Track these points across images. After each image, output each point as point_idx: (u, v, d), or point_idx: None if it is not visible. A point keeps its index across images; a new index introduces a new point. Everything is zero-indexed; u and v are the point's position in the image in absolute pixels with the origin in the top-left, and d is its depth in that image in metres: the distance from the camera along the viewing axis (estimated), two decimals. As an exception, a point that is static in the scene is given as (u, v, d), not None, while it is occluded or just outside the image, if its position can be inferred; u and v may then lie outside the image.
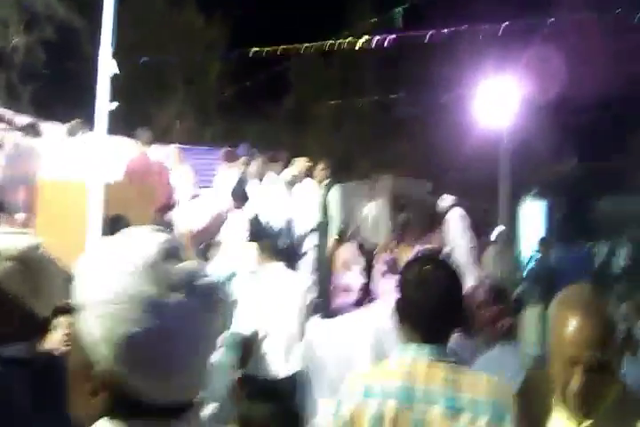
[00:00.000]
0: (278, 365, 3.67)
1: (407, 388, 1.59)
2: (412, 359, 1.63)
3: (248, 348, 3.66)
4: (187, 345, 0.85)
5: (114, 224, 3.36)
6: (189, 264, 0.89)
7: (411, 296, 1.69)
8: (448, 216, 7.82)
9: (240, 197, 5.46)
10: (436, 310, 1.65)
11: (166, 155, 6.91)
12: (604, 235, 11.51)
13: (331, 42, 10.68)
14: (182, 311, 0.84)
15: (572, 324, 1.48)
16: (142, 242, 0.88)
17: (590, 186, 12.39)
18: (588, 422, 1.52)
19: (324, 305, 6.41)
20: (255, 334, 3.67)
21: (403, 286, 1.73)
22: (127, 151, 5.55)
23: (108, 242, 0.90)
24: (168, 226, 4.69)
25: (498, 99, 10.06)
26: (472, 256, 7.79)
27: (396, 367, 1.65)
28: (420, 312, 1.66)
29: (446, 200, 8.18)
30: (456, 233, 7.80)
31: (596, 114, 12.35)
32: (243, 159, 7.06)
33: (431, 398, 1.58)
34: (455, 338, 3.27)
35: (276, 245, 4.07)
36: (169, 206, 5.60)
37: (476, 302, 3.32)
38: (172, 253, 0.88)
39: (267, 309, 3.68)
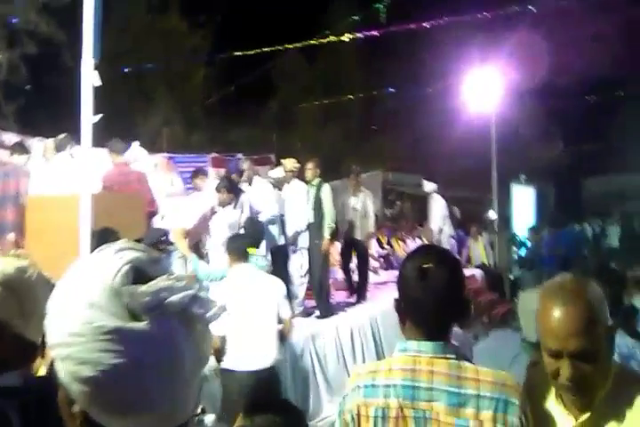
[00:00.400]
0: (255, 359, 3.76)
1: (410, 385, 1.60)
2: (414, 356, 1.63)
3: (219, 347, 3.73)
4: (159, 377, 0.78)
5: (102, 237, 3.37)
6: (161, 281, 0.81)
7: (412, 293, 1.65)
8: (430, 203, 7.93)
9: (229, 190, 5.46)
10: (438, 307, 1.62)
11: (154, 164, 6.94)
12: (594, 215, 11.61)
13: (313, 41, 10.71)
14: (150, 341, 0.77)
15: (554, 315, 1.48)
16: (103, 267, 0.81)
17: (577, 169, 12.49)
18: (586, 415, 1.52)
19: (319, 302, 6.49)
20: (224, 336, 3.73)
21: (403, 282, 1.67)
22: (105, 163, 5.55)
23: (72, 270, 0.84)
24: (158, 233, 4.71)
25: (484, 88, 10.11)
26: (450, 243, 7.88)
27: (398, 365, 1.64)
28: (422, 309, 1.63)
29: (427, 186, 8.27)
30: (437, 218, 7.89)
31: (578, 99, 12.41)
32: (233, 163, 7.10)
33: (434, 395, 1.57)
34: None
35: (244, 247, 4.09)
36: (153, 214, 5.61)
37: (470, 289, 3.36)
38: (140, 273, 0.81)
39: (238, 308, 3.74)
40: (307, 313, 6.42)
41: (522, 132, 12.82)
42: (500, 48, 11.85)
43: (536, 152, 13.71)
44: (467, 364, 1.62)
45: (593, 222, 11.32)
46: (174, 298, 0.79)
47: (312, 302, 6.56)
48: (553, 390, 1.60)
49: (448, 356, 1.62)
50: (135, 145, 6.49)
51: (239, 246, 4.10)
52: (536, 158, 13.49)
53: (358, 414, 1.64)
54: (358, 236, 7.20)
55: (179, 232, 5.20)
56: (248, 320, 3.81)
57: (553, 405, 1.61)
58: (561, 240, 9.29)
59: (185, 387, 0.81)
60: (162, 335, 0.78)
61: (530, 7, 10.43)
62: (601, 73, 12.42)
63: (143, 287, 0.78)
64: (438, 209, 8.06)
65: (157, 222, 5.66)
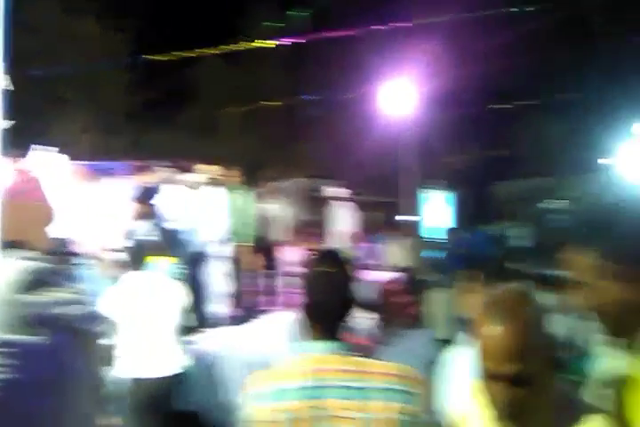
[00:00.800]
0: (155, 366, 3.83)
1: (311, 386, 1.62)
2: (312, 357, 1.68)
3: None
4: (46, 392, 0.73)
5: (9, 250, 3.35)
6: (54, 293, 0.78)
7: (309, 296, 1.75)
8: (334, 207, 8.14)
9: (146, 200, 5.46)
10: (331, 308, 1.73)
11: (72, 172, 6.81)
12: (503, 217, 12.24)
13: (234, 46, 10.76)
14: (38, 355, 0.73)
15: (489, 335, 1.36)
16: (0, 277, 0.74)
17: (487, 174, 13.16)
18: None
19: (238, 310, 6.56)
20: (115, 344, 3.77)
21: (303, 286, 1.78)
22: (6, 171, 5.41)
23: None
24: (61, 242, 4.66)
25: (398, 96, 10.50)
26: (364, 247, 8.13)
27: (297, 366, 1.67)
28: (317, 310, 1.74)
29: (335, 192, 8.47)
30: (346, 223, 8.09)
31: (487, 108, 13.10)
32: (152, 171, 7.05)
33: (336, 392, 1.60)
34: (374, 326, 3.53)
35: (141, 255, 4.09)
36: (52, 223, 5.52)
37: (389, 292, 3.52)
38: (38, 283, 0.78)
39: (133, 316, 3.80)
40: (225, 320, 6.46)
41: (435, 139, 13.36)
42: (417, 58, 12.31)
43: (449, 158, 14.32)
44: (367, 360, 1.69)
45: (502, 225, 11.94)
46: (65, 310, 0.76)
47: (234, 310, 6.61)
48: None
49: (346, 353, 1.69)
50: (40, 150, 6.33)
51: (136, 254, 4.13)
52: (449, 164, 14.10)
53: (258, 421, 1.62)
54: (274, 242, 7.30)
55: (98, 245, 5.17)
56: (144, 328, 3.86)
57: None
58: (472, 242, 9.74)
59: (75, 402, 0.77)
60: (52, 349, 0.73)
61: (443, 19, 10.97)
62: (509, 83, 13.14)
63: (33, 298, 0.74)
64: (347, 214, 8.30)
65: (60, 231, 5.58)
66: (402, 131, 10.68)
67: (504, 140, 14.17)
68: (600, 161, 12.00)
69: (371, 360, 1.71)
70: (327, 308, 1.74)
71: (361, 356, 1.71)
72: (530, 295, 1.44)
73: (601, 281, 1.37)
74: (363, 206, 9.33)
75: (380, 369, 1.67)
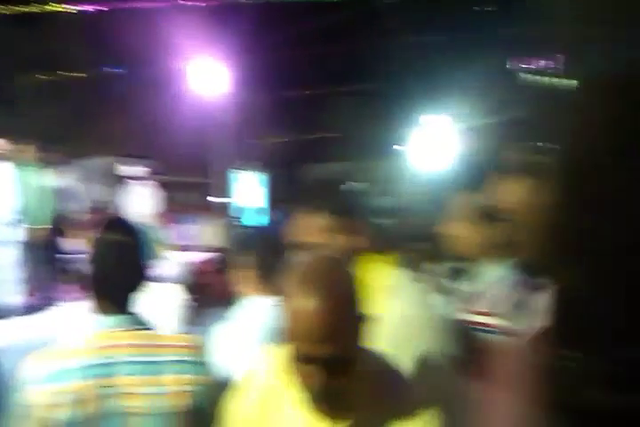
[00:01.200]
0: None
1: (101, 363, 1.54)
2: (103, 333, 1.59)
3: None
4: None
5: None
6: None
7: (96, 267, 1.63)
8: (132, 186, 7.97)
9: None
10: (120, 279, 1.63)
11: None
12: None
13: (24, 7, 9.70)
14: None
15: (296, 314, 1.17)
16: None
17: (303, 157, 13.61)
18: (345, 424, 1.29)
19: (35, 299, 6.06)
20: None
21: (89, 256, 1.64)
22: None
23: None
24: None
25: (211, 75, 10.33)
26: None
27: (83, 344, 1.58)
28: (107, 283, 1.62)
29: (128, 171, 8.27)
30: (139, 201, 7.96)
31: (301, 92, 13.48)
32: None
33: (128, 368, 1.54)
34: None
35: None
36: None
37: (201, 272, 3.50)
38: None
39: None
40: (17, 310, 5.94)
41: (249, 121, 13.42)
42: (229, 37, 12.18)
43: (263, 140, 14.50)
44: (159, 333, 1.64)
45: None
46: None
47: (27, 299, 6.10)
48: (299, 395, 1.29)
49: (137, 327, 1.62)
50: None
51: None
52: (263, 146, 14.29)
53: (40, 405, 1.51)
54: (71, 223, 6.84)
55: None
56: None
57: (298, 411, 1.33)
58: (282, 224, 10.02)
59: None
60: None
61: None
62: (323, 68, 13.61)
63: None
64: (147, 194, 8.10)
65: None
66: (214, 110, 10.55)
67: (318, 123, 14.68)
68: (395, 147, 13.09)
69: (163, 333, 1.66)
70: (116, 279, 1.63)
71: (150, 328, 1.65)
72: (342, 265, 1.27)
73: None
74: (174, 187, 9.10)
75: (172, 342, 1.64)
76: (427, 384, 1.44)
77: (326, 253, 1.36)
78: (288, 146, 14.32)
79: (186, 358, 1.62)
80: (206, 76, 10.22)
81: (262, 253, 2.35)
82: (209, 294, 4.02)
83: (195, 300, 3.71)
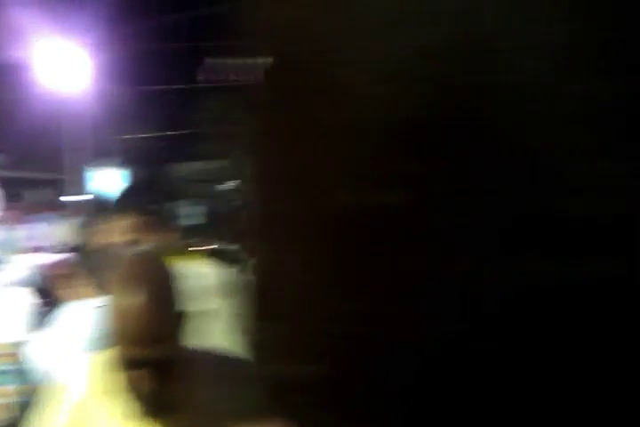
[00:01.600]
0: None
1: None
2: None
3: None
4: None
5: None
6: None
7: None
8: None
9: None
10: None
11: None
12: (183, 197, 12.58)
13: None
14: None
15: (116, 314, 1.10)
16: None
17: (167, 154, 13.26)
18: None
19: None
20: None
21: None
22: None
23: None
24: None
25: (68, 67, 9.73)
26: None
27: None
28: None
29: None
30: None
31: (168, 86, 13.08)
32: None
33: None
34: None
35: None
36: None
37: (55, 273, 3.30)
38: None
39: None
40: None
41: (110, 116, 12.82)
42: (88, 28, 11.54)
43: (125, 136, 13.90)
44: None
45: (181, 204, 12.21)
46: None
47: None
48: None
49: None
50: None
51: None
52: (124, 142, 13.70)
53: None
54: None
55: None
56: None
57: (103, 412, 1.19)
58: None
59: None
60: None
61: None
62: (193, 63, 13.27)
63: None
64: None
65: None
66: (69, 104, 9.93)
67: (183, 121, 14.31)
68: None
69: None
70: None
71: None
72: (158, 262, 1.20)
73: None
74: (22, 184, 8.46)
75: None
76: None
77: (141, 251, 1.32)
78: (155, 142, 13.84)
79: (7, 368, 1.59)
80: (61, 65, 9.59)
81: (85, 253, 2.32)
82: (60, 297, 3.82)
83: (45, 304, 3.48)
